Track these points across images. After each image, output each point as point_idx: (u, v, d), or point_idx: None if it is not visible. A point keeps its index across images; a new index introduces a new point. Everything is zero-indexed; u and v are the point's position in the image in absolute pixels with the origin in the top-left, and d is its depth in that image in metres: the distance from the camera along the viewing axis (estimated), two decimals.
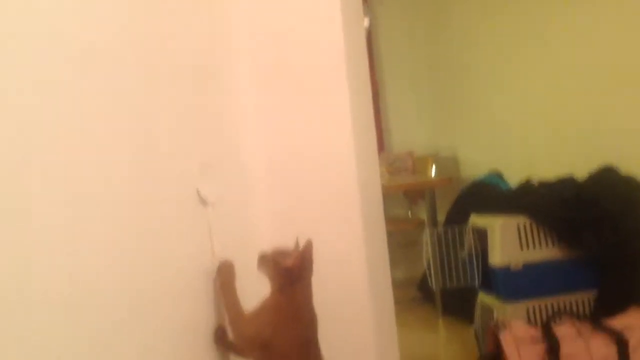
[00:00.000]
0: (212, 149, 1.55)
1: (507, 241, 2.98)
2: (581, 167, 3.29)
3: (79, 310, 0.89)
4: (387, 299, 1.94)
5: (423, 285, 4.48)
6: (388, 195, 1.93)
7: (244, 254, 1.46)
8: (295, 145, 1.77)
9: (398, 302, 2.05)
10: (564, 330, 2.71)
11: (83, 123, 0.95)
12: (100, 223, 0.97)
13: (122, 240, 1.04)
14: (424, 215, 4.60)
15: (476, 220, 3.29)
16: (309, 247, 1.38)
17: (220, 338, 1.43)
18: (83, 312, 0.91)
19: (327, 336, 1.63)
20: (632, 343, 2.63)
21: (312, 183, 1.76)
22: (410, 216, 5.03)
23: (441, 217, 4.34)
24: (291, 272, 1.34)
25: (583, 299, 3.02)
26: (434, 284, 3.51)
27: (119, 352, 0.98)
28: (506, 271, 2.97)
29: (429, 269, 3.55)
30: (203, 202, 1.40)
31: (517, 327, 2.74)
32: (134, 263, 1.07)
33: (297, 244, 1.40)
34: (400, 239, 4.62)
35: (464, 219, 3.44)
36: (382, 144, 5.10)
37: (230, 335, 1.41)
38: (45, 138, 0.85)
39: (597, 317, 2.79)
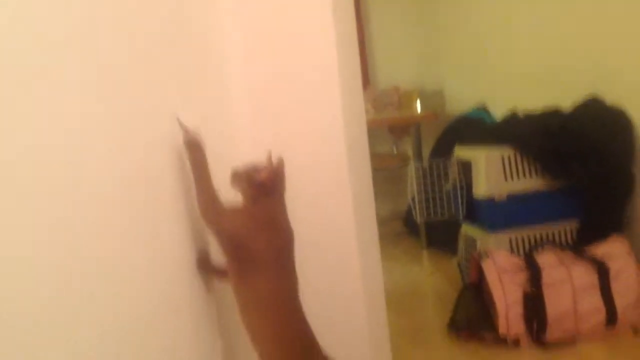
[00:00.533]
0: (193, 75, 1.52)
1: (491, 172, 2.99)
2: (567, 99, 3.28)
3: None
4: (372, 233, 1.95)
5: (408, 220, 4.52)
6: (373, 131, 1.91)
7: (225, 185, 1.43)
8: (279, 74, 1.73)
9: (383, 237, 2.05)
10: (546, 259, 2.75)
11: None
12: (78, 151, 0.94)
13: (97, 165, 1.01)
14: (409, 151, 4.61)
15: (460, 152, 3.29)
16: (281, 163, 1.37)
17: (203, 263, 1.42)
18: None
19: (314, 271, 1.65)
20: (613, 271, 2.68)
21: (296, 117, 1.73)
22: (395, 152, 5.03)
23: (426, 152, 4.35)
24: (265, 185, 1.33)
25: (565, 228, 3.06)
26: (418, 217, 3.54)
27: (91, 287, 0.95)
28: (490, 202, 2.99)
29: (413, 202, 3.57)
30: (183, 130, 1.36)
31: (499, 257, 2.78)
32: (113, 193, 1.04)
33: (269, 158, 1.38)
34: (385, 174, 4.63)
35: (449, 153, 3.45)
36: (366, 79, 5.05)
37: (208, 228, 1.38)
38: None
39: (579, 246, 2.84)
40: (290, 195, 1.51)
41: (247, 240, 1.31)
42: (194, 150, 1.35)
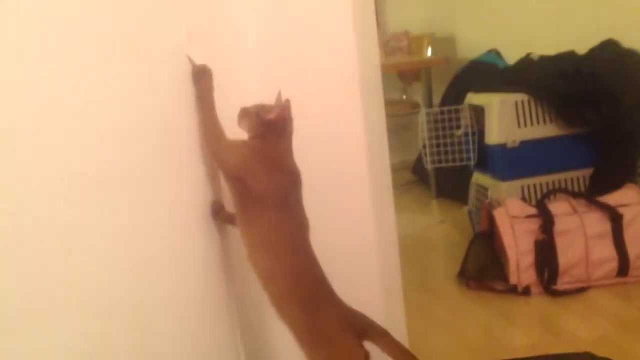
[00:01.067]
0: (201, 15, 1.45)
1: (504, 118, 2.92)
2: (582, 43, 3.17)
3: None
4: (385, 180, 1.90)
5: (417, 168, 4.47)
6: (381, 76, 1.84)
7: (233, 125, 1.38)
8: (292, 18, 1.65)
9: (392, 186, 2.01)
10: (559, 207, 2.71)
11: None
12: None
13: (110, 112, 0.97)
14: (419, 98, 4.51)
15: (473, 98, 3.22)
16: (287, 105, 1.34)
17: (217, 212, 1.39)
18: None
19: (327, 218, 1.62)
20: (627, 219, 2.64)
21: (309, 60, 1.66)
22: (404, 99, 4.94)
23: (436, 99, 4.25)
24: (273, 124, 1.31)
25: (579, 176, 3.00)
26: (429, 164, 3.48)
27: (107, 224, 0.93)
28: (502, 149, 2.93)
29: (424, 149, 3.51)
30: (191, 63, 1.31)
31: (511, 205, 2.73)
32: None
33: (279, 98, 1.33)
34: (394, 122, 4.55)
35: (461, 99, 3.37)
36: (376, 23, 4.91)
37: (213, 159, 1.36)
38: None
39: (592, 194, 2.79)
40: (303, 141, 1.49)
41: (250, 175, 1.28)
42: (201, 80, 1.31)
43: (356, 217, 1.67)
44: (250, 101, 1.37)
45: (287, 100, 1.34)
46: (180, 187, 1.25)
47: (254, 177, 1.28)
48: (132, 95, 1.06)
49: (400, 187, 4.44)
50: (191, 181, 1.32)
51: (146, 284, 1.04)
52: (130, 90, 1.05)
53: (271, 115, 1.30)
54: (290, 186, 1.32)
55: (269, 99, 1.36)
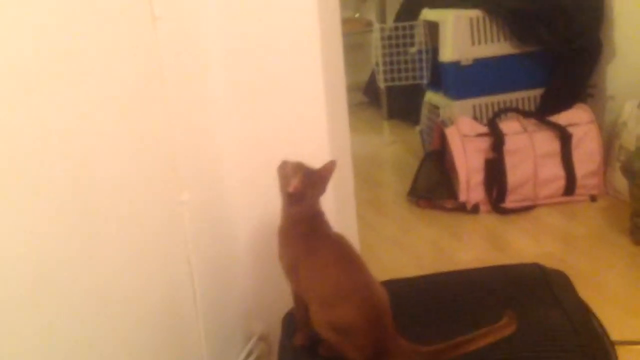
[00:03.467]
0: None
1: (459, 35, 2.87)
2: None
3: None
4: (341, 100, 1.85)
5: (369, 90, 4.42)
6: None
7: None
8: None
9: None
10: (510, 126, 2.71)
11: None
12: None
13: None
14: (372, 16, 4.41)
15: (428, 14, 3.14)
16: (328, 167, 1.38)
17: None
18: None
19: (283, 136, 1.60)
20: (576, 138, 2.66)
21: None
22: (357, 17, 4.82)
23: (390, 17, 4.16)
24: (291, 196, 1.35)
25: (530, 96, 3.00)
26: (381, 82, 3.43)
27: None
28: (456, 67, 2.90)
29: (377, 68, 3.44)
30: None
31: (463, 123, 2.72)
32: None
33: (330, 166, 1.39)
34: (346, 41, 4.45)
35: (415, 16, 3.29)
36: None
37: None
38: None
39: (543, 114, 2.79)
40: (262, 55, 1.54)
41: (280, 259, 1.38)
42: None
43: (312, 135, 1.62)
44: None
45: (332, 163, 1.39)
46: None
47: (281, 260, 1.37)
48: None
49: (351, 108, 4.37)
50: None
51: None
52: None
53: (290, 189, 1.33)
54: (294, 256, 1.35)
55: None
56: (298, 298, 1.36)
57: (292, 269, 1.35)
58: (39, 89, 0.94)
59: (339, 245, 1.34)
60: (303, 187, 1.34)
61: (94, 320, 1.07)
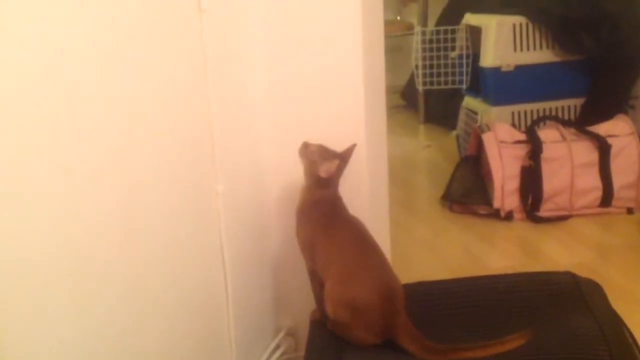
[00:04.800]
0: None
1: (501, 41, 2.85)
2: None
3: None
4: (380, 101, 1.86)
5: (407, 93, 4.41)
6: None
7: None
8: None
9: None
10: (548, 135, 2.68)
11: None
12: None
13: None
14: (413, 19, 4.40)
15: (470, 18, 3.13)
16: (350, 151, 1.43)
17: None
18: None
19: (322, 130, 1.61)
20: (615, 149, 2.62)
21: None
22: (399, 20, 4.82)
23: (432, 21, 4.15)
24: (321, 180, 1.39)
25: (570, 105, 2.97)
26: (420, 85, 3.42)
27: None
28: (497, 72, 2.88)
29: (416, 70, 3.44)
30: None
31: (500, 130, 2.70)
32: None
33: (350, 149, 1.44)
34: (386, 43, 4.45)
35: (457, 20, 3.28)
36: None
37: None
38: None
39: (583, 123, 2.76)
40: (304, 54, 1.58)
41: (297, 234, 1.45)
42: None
43: (349, 134, 1.63)
44: None
45: (352, 147, 1.44)
46: None
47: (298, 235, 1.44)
48: None
49: (388, 111, 4.36)
50: None
51: None
52: None
53: (323, 173, 1.38)
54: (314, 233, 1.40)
55: None
56: (313, 275, 1.40)
57: (309, 247, 1.39)
58: (88, 79, 0.97)
59: (357, 228, 1.38)
60: (335, 171, 1.39)
61: (131, 305, 1.10)
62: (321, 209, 1.39)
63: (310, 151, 1.42)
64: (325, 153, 1.41)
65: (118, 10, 1.04)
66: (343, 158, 1.42)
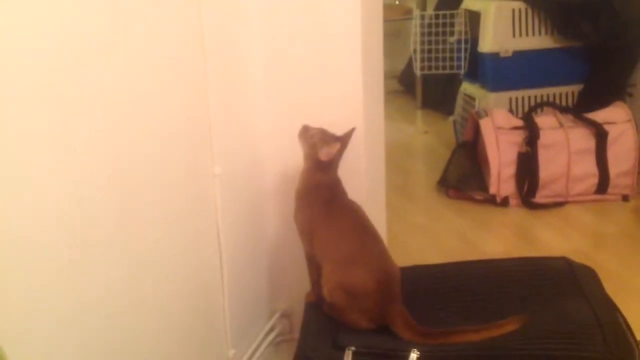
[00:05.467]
0: None
1: (500, 26, 2.84)
2: None
3: None
4: (377, 88, 1.86)
5: (404, 78, 4.38)
6: None
7: None
8: None
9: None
10: (545, 121, 2.68)
11: None
12: None
13: None
14: (412, 3, 4.37)
15: (470, 3, 3.12)
16: (349, 135, 1.43)
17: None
18: None
19: (321, 114, 1.60)
20: (612, 136, 2.62)
21: None
22: (397, 4, 4.79)
23: (430, 6, 4.13)
24: (321, 163, 1.40)
25: (568, 92, 2.97)
26: (418, 69, 3.41)
27: None
28: (495, 58, 2.87)
29: (414, 55, 3.43)
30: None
31: (498, 115, 2.70)
32: None
33: (348, 134, 1.44)
34: (384, 28, 4.42)
35: (456, 5, 3.27)
36: None
37: None
38: None
39: (580, 110, 2.76)
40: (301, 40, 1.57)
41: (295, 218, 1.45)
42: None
43: (347, 118, 1.62)
44: None
45: (352, 130, 1.44)
46: None
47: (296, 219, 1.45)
48: None
49: (386, 96, 4.35)
50: None
51: None
52: None
53: (323, 155, 1.38)
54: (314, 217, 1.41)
55: None
56: (311, 258, 1.40)
57: (308, 231, 1.40)
58: (88, 62, 0.97)
59: (356, 213, 1.38)
60: (335, 155, 1.39)
61: (126, 287, 1.11)
62: (321, 193, 1.39)
63: (310, 134, 1.41)
64: (325, 136, 1.41)
65: None
66: (343, 141, 1.41)
